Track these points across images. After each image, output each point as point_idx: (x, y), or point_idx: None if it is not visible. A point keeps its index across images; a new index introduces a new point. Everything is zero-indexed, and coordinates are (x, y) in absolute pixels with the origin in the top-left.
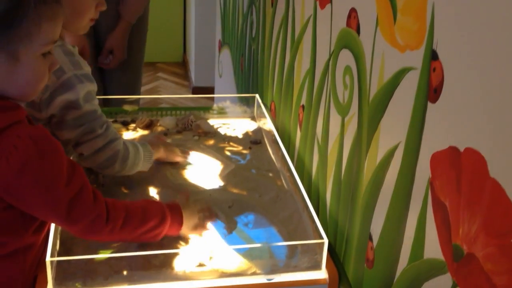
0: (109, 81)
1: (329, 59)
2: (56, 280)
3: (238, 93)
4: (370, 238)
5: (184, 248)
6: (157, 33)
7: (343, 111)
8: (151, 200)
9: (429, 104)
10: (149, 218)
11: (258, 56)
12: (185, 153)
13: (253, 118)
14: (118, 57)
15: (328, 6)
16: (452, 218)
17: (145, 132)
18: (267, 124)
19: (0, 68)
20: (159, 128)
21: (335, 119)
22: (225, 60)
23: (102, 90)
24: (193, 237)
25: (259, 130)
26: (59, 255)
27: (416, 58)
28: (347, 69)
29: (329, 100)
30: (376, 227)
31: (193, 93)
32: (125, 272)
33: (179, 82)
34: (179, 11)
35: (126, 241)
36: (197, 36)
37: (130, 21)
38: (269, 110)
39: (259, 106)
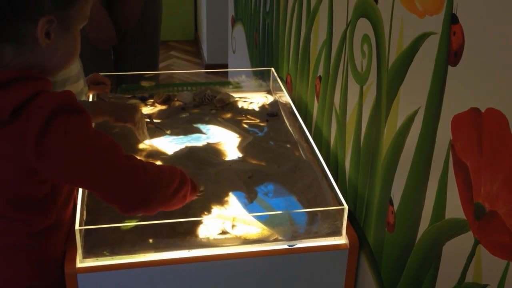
0: (127, 54)
1: (346, 29)
2: (84, 248)
3: (252, 67)
4: (391, 203)
5: (207, 216)
6: (168, 11)
7: (362, 79)
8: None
9: (450, 68)
10: (172, 176)
11: (273, 30)
12: (139, 120)
13: (269, 92)
14: (131, 28)
15: None
16: (474, 177)
17: (163, 107)
18: (284, 97)
19: (49, 39)
20: (177, 103)
21: (353, 88)
22: (238, 36)
23: (114, 65)
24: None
25: (275, 103)
26: (86, 225)
27: (435, 23)
28: (365, 37)
29: (347, 70)
30: (397, 191)
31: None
32: (150, 240)
33: (192, 60)
34: None
35: (164, 204)
36: (209, 13)
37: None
38: (285, 83)
39: (274, 79)
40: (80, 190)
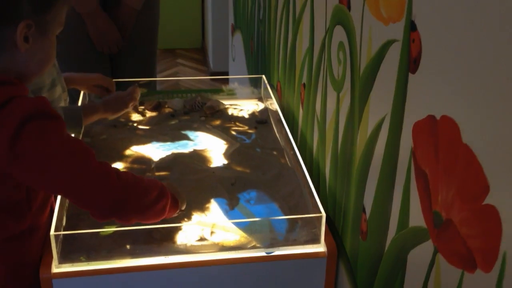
0: (124, 71)
1: (325, 36)
2: (61, 253)
3: (248, 75)
4: (364, 210)
5: (186, 223)
6: (176, 19)
7: (338, 86)
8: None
9: (410, 75)
10: (150, 187)
11: (265, 38)
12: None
13: (260, 99)
14: (117, 42)
15: None
16: (432, 185)
17: (153, 113)
18: (273, 104)
19: (28, 43)
20: (167, 110)
21: (331, 95)
22: (237, 43)
23: (111, 72)
24: (194, 211)
25: (265, 110)
26: (65, 230)
27: (398, 30)
28: (341, 45)
29: (326, 77)
30: (368, 199)
31: (211, 78)
32: (128, 246)
33: (198, 68)
34: None
35: (140, 214)
36: (214, 21)
37: (135, 7)
38: (275, 90)
39: (265, 86)
40: (59, 196)
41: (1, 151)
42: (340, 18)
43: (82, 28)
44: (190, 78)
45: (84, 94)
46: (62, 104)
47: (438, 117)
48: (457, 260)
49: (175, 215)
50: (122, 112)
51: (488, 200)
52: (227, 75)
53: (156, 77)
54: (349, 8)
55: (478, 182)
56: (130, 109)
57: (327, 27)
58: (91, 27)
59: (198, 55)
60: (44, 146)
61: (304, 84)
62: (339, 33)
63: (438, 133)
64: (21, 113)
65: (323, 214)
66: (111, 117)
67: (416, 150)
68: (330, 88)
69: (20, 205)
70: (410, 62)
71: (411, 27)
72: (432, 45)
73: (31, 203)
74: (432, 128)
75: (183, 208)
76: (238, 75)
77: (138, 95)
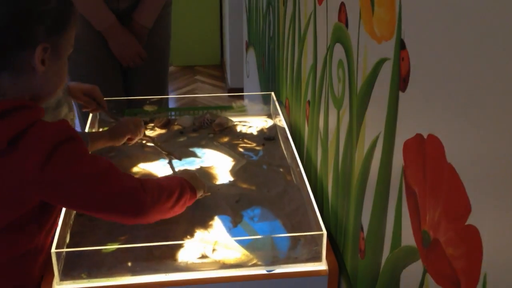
0: (135, 87)
1: (326, 54)
2: (62, 271)
3: (261, 91)
4: (362, 229)
5: (187, 240)
6: (195, 36)
7: (339, 104)
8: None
9: (400, 93)
10: (172, 188)
11: (275, 55)
12: (136, 129)
13: (269, 116)
14: (139, 54)
15: (324, 2)
16: (421, 204)
17: (163, 131)
18: (281, 121)
19: (44, 66)
20: (176, 127)
21: (332, 113)
22: (251, 60)
23: (125, 96)
24: (197, 229)
25: (273, 127)
26: (68, 247)
27: (389, 48)
28: (340, 62)
29: (328, 95)
30: (366, 217)
31: (220, 96)
32: (129, 263)
33: (216, 84)
34: (216, 14)
35: (163, 215)
36: (232, 37)
37: (146, 26)
38: (284, 107)
39: (274, 103)
40: (62, 213)
41: (29, 176)
42: (339, 36)
43: (96, 45)
44: (201, 95)
45: (93, 115)
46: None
47: (425, 136)
48: (443, 281)
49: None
50: (126, 139)
51: (470, 221)
52: (243, 91)
53: (168, 94)
54: (347, 26)
55: (461, 202)
56: (135, 136)
57: (328, 44)
58: (112, 42)
59: (216, 71)
60: (77, 169)
61: (308, 101)
62: (338, 51)
63: (426, 152)
64: (50, 138)
65: (324, 232)
66: (117, 144)
67: (407, 169)
68: (331, 106)
69: (32, 225)
70: (400, 80)
71: (401, 45)
72: (420, 64)
73: (43, 223)
74: (420, 147)
75: (202, 194)
76: (251, 91)
77: (141, 128)
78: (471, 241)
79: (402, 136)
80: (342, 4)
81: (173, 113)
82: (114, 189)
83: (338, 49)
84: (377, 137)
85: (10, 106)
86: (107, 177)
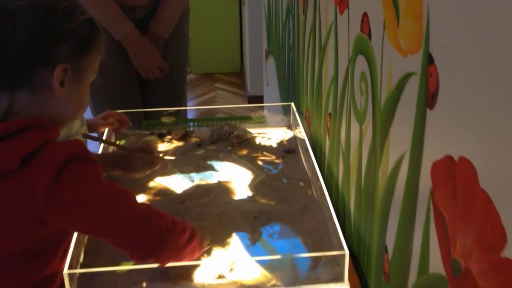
0: (152, 98)
1: (348, 65)
2: None
3: (281, 100)
4: (386, 250)
5: (204, 259)
6: (215, 44)
7: (361, 118)
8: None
9: (428, 111)
10: (184, 227)
11: (295, 64)
12: (153, 163)
13: (289, 127)
14: (160, 65)
15: (346, 11)
16: (450, 230)
17: (180, 143)
18: (302, 132)
19: (63, 87)
20: (194, 139)
21: (355, 127)
22: (270, 69)
23: (143, 107)
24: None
25: (293, 139)
26: (82, 267)
27: (416, 63)
28: (363, 75)
29: (350, 108)
30: (390, 239)
31: (249, 102)
32: (144, 284)
33: (236, 92)
34: (235, 22)
35: (176, 255)
36: (251, 45)
37: (162, 36)
38: (304, 118)
39: (294, 114)
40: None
41: (38, 196)
42: (362, 48)
43: (114, 55)
44: (219, 106)
45: (108, 131)
46: (80, 139)
47: (456, 158)
48: None
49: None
50: (128, 174)
51: (506, 253)
52: (263, 99)
53: (186, 104)
54: (370, 37)
55: (495, 231)
56: (137, 174)
57: (350, 56)
58: (130, 52)
59: (236, 79)
60: (84, 191)
61: (330, 113)
62: (361, 63)
63: (456, 175)
64: (59, 158)
65: (347, 252)
66: (120, 173)
67: (435, 191)
68: (353, 119)
69: (48, 251)
70: (428, 97)
71: (429, 60)
72: (450, 80)
73: (58, 248)
74: (450, 169)
75: (206, 244)
76: (271, 101)
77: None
78: (508, 275)
79: (430, 157)
80: (365, 15)
81: (191, 124)
82: (127, 213)
83: (361, 61)
84: (402, 156)
85: (25, 125)
86: (120, 199)
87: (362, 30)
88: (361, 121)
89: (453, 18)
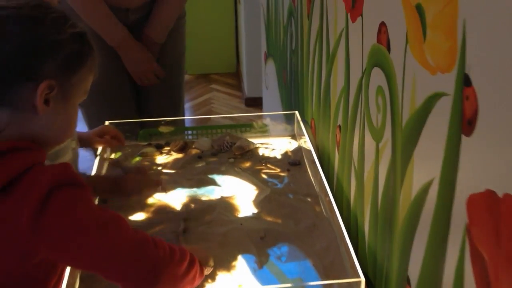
0: (148, 104)
1: (361, 77)
2: None
3: (282, 106)
4: (408, 282)
5: (208, 285)
6: (210, 43)
7: (377, 135)
8: None
9: (463, 138)
10: (182, 255)
11: (298, 70)
12: (147, 184)
13: (293, 137)
14: (155, 72)
15: (359, 19)
16: (492, 274)
17: (179, 155)
18: (307, 142)
19: (48, 106)
20: (194, 151)
21: (370, 144)
22: (270, 72)
23: (139, 113)
24: (216, 271)
25: (299, 150)
26: None
27: (448, 83)
28: (379, 89)
29: (363, 123)
30: (414, 271)
31: (246, 104)
32: None
33: (232, 93)
34: (231, 21)
35: (174, 285)
36: (248, 45)
37: (157, 41)
38: (309, 127)
39: (299, 124)
40: None
41: (22, 226)
42: (378, 60)
43: (107, 61)
44: (220, 116)
45: (102, 149)
46: (69, 154)
47: (500, 194)
48: None
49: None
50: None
51: None
52: (261, 101)
53: (183, 110)
54: (388, 49)
55: None
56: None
57: (363, 67)
58: (125, 58)
59: (232, 79)
60: (72, 219)
61: (339, 126)
62: (377, 76)
63: (500, 214)
64: (44, 185)
65: (363, 279)
66: (114, 197)
67: (472, 227)
68: (368, 136)
69: (37, 283)
70: (464, 123)
71: (465, 81)
72: (492, 105)
73: (49, 280)
74: (492, 207)
75: (209, 268)
76: (271, 105)
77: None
78: None
79: (465, 189)
80: (383, 24)
81: (189, 132)
82: (120, 242)
83: (377, 74)
84: (429, 183)
85: (5, 147)
86: (112, 227)
87: (379, 41)
88: (377, 138)
89: (496, 34)
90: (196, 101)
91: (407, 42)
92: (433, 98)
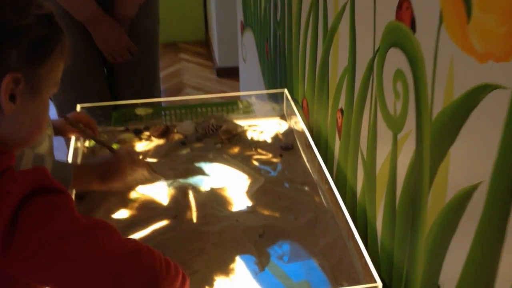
0: (120, 84)
1: (373, 58)
2: None
3: (265, 81)
4: None
5: None
6: (176, 9)
7: (395, 125)
8: None
9: None
10: (177, 267)
11: (285, 44)
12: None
13: (282, 117)
14: (128, 48)
15: None
16: None
17: (161, 141)
18: (299, 123)
19: (15, 103)
20: (176, 136)
21: (384, 133)
22: (248, 43)
23: (110, 94)
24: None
25: (290, 132)
26: None
27: (503, 73)
28: (399, 73)
29: (376, 109)
30: (448, 282)
31: (217, 74)
32: None
33: (203, 63)
34: None
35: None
36: (218, 12)
37: (128, 15)
38: (300, 107)
39: (288, 103)
40: None
41: None
42: (398, 40)
43: (75, 38)
44: (196, 97)
45: (75, 139)
46: (47, 142)
47: None
48: None
49: None
50: (118, 184)
51: None
52: (236, 71)
53: (159, 90)
54: (413, 28)
55: None
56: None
57: (376, 47)
58: (94, 34)
59: (201, 48)
60: (51, 231)
61: (341, 109)
62: (396, 58)
63: None
64: (18, 192)
65: (379, 284)
66: (106, 189)
67: None
68: (382, 124)
69: None
70: None
71: None
72: None
73: None
74: None
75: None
76: (251, 79)
77: (141, 166)
78: None
79: None
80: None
81: (167, 112)
82: (111, 253)
83: (396, 56)
84: (474, 187)
85: None
86: (100, 236)
87: (399, 18)
88: (395, 129)
89: None
90: (165, 71)
91: (441, 21)
92: (481, 90)
